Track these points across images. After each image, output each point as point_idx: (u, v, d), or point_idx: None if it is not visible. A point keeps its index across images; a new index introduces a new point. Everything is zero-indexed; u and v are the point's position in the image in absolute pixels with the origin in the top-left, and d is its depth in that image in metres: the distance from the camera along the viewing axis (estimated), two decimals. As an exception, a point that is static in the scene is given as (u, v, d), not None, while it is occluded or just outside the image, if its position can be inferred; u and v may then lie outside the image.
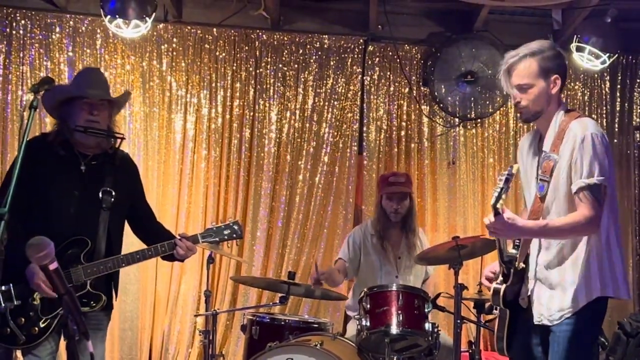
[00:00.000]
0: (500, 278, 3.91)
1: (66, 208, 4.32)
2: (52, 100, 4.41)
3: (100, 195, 4.39)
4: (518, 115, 3.94)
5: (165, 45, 7.53)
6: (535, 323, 3.82)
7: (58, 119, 4.48)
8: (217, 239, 4.64)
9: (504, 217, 3.54)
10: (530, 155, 3.98)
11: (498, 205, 3.53)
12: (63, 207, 4.32)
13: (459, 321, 5.03)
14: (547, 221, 3.70)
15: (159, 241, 4.50)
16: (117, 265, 4.35)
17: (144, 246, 4.59)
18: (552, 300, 3.76)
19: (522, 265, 3.87)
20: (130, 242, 4.79)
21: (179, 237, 4.52)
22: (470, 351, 5.43)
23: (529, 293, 3.88)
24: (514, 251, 3.88)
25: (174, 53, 7.54)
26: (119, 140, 4.52)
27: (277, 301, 5.50)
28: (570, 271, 3.74)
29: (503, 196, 3.54)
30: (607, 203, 3.70)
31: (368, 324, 5.07)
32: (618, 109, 7.96)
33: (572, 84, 7.93)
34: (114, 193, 4.42)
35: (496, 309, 3.98)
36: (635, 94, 7.98)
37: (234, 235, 4.68)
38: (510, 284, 3.86)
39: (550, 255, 3.80)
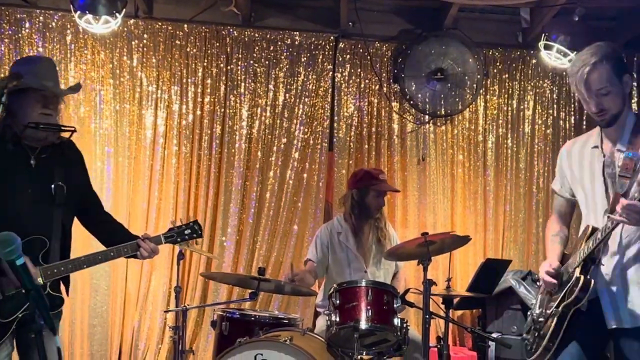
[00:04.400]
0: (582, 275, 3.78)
1: (19, 206, 4.13)
2: None
3: (53, 190, 4.22)
4: (599, 120, 3.83)
5: (136, 41, 7.52)
6: (613, 327, 3.73)
7: (5, 112, 4.16)
8: (178, 239, 4.60)
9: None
10: (589, 155, 3.96)
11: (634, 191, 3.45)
12: (16, 204, 4.13)
13: (427, 317, 5.05)
14: None
15: (112, 234, 4.44)
16: (79, 267, 4.22)
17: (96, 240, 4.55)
18: (635, 304, 3.69)
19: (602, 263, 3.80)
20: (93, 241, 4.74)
21: (141, 238, 4.42)
22: (439, 346, 5.45)
23: (598, 297, 3.79)
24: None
25: (145, 49, 7.54)
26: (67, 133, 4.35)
27: (247, 297, 5.49)
28: None
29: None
30: None
31: (337, 319, 5.06)
32: (586, 106, 8.02)
33: (540, 81, 8.01)
34: (65, 187, 4.26)
35: (543, 313, 3.93)
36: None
37: (194, 235, 4.65)
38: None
39: (632, 252, 3.73)
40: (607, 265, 3.77)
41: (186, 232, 4.61)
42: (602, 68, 3.71)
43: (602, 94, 3.74)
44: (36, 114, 4.16)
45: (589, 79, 3.73)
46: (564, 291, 3.81)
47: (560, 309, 3.81)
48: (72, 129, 4.34)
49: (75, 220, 4.54)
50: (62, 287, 4.38)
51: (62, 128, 4.31)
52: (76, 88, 4.53)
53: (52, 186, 4.22)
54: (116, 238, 4.42)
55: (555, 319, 3.82)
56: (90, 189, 4.63)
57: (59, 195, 4.23)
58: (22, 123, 4.15)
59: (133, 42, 7.51)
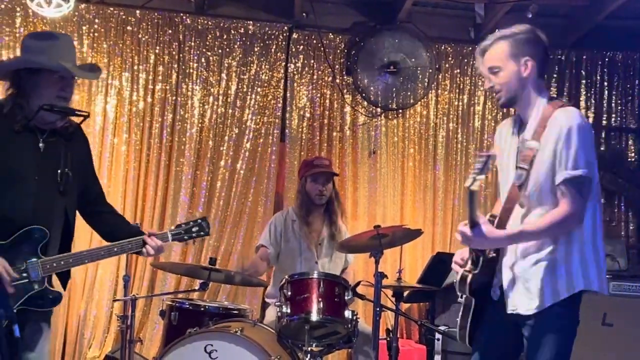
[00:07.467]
0: (470, 265, 3.74)
1: (25, 192, 3.84)
2: (13, 66, 3.96)
3: (59, 177, 3.93)
4: (495, 100, 3.75)
5: (87, 26, 7.41)
6: (509, 312, 3.65)
7: (15, 89, 3.92)
8: (186, 236, 4.38)
9: (482, 229, 3.45)
10: (510, 141, 3.82)
11: (477, 215, 3.44)
12: (23, 189, 3.84)
13: (378, 309, 5.07)
14: (521, 228, 3.56)
15: (114, 228, 4.25)
16: (80, 261, 3.96)
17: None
18: (530, 291, 3.60)
19: (492, 254, 3.72)
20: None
21: (147, 234, 4.17)
22: (388, 339, 5.49)
23: (502, 284, 3.72)
24: None
25: (96, 34, 7.43)
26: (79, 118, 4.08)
27: (197, 287, 5.46)
28: (548, 264, 3.59)
29: (478, 179, 3.35)
30: (593, 195, 3.57)
31: (289, 310, 5.08)
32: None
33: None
34: (70, 174, 3.96)
35: (461, 297, 3.79)
36: (551, 89, 8.12)
37: (202, 233, 4.42)
38: (480, 273, 3.70)
39: (528, 245, 3.63)
40: (507, 257, 3.71)
41: (194, 229, 4.39)
42: (497, 46, 3.67)
43: (492, 72, 3.68)
44: (53, 96, 3.87)
45: (484, 56, 3.72)
46: None
47: None
48: (86, 113, 4.08)
49: None
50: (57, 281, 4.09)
51: (77, 113, 4.03)
52: (95, 71, 4.29)
53: (59, 172, 3.94)
54: (118, 232, 4.20)
55: (464, 298, 3.82)
56: (95, 178, 4.35)
57: (64, 183, 3.95)
58: (35, 104, 3.85)
59: (84, 27, 7.40)
